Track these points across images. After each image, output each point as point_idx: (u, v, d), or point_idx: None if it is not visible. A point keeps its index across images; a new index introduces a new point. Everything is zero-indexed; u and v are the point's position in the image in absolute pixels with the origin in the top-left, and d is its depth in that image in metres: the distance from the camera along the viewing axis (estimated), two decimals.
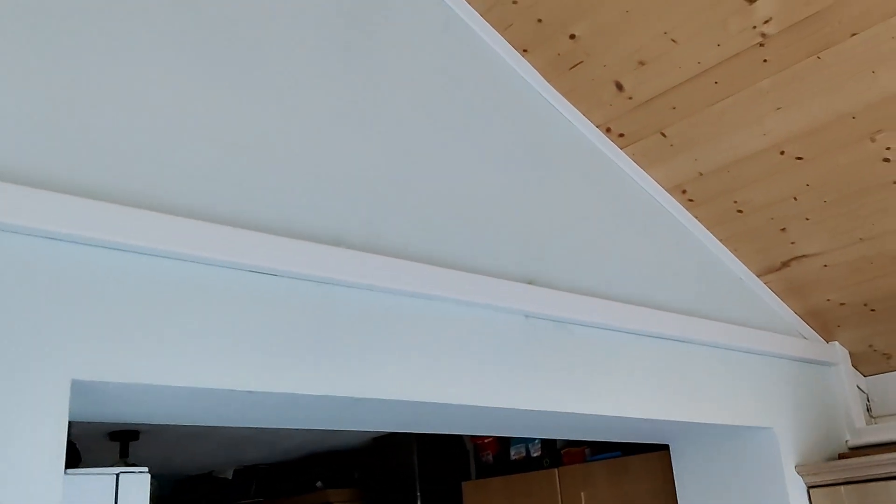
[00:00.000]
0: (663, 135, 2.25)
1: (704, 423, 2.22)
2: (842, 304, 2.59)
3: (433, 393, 1.64)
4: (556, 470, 3.13)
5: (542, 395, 1.82)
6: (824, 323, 2.69)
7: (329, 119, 1.72)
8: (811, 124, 2.09)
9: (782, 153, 2.19)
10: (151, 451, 3.74)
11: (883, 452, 2.32)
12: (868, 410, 2.77)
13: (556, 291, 1.93)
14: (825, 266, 2.48)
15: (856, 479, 2.31)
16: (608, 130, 2.29)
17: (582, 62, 2.13)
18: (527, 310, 1.85)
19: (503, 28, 2.12)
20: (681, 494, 2.58)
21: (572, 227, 2.12)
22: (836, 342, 2.74)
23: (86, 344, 1.23)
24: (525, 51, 2.16)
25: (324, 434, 3.74)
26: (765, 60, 1.99)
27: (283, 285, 1.50)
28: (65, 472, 1.18)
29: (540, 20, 2.07)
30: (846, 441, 2.64)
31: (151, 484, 1.32)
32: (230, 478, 4.71)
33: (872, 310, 2.57)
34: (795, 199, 2.30)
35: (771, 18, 1.90)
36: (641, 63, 2.08)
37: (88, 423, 1.50)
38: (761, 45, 1.95)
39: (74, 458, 2.19)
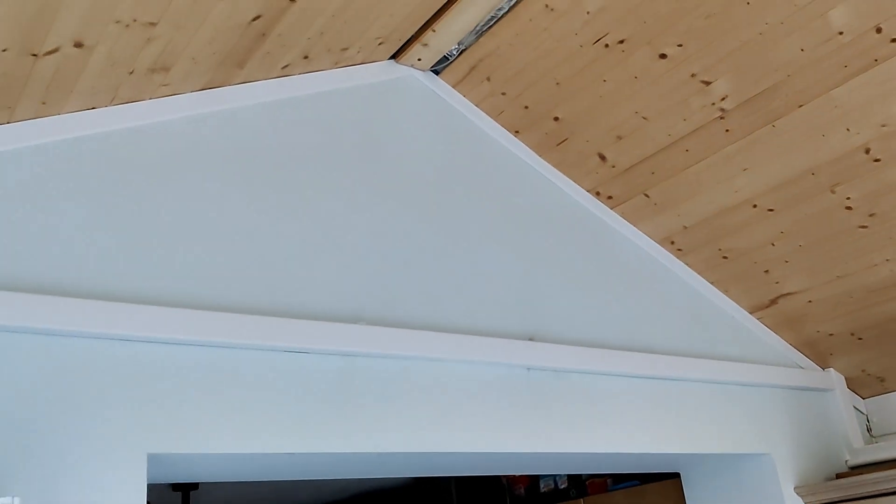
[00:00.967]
0: (647, 195, 2.52)
1: (705, 454, 2.46)
2: (830, 334, 2.81)
3: (447, 443, 1.91)
4: (581, 500, 3.37)
5: (546, 439, 2.08)
6: (818, 351, 2.91)
7: (345, 214, 2.03)
8: (776, 181, 2.34)
9: (755, 206, 2.44)
10: (211, 499, 4.06)
11: (879, 470, 2.51)
12: (868, 430, 2.96)
13: (555, 345, 2.20)
14: (810, 301, 2.70)
15: (853, 497, 2.51)
16: (598, 194, 2.57)
17: (567, 139, 2.42)
18: (528, 364, 2.12)
19: (496, 115, 2.42)
20: None
21: (569, 284, 2.39)
22: (832, 369, 2.94)
23: (158, 424, 1.54)
24: (517, 132, 2.45)
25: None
26: (727, 130, 2.25)
27: (313, 361, 1.80)
28: None
29: (527, 107, 2.36)
30: (846, 461, 2.83)
31: None
32: None
33: (860, 338, 2.78)
34: (773, 244, 2.54)
35: (727, 96, 2.16)
36: (619, 137, 2.36)
37: None
38: (721, 118, 2.22)
39: None
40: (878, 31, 1.92)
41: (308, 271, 1.90)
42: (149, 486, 2.31)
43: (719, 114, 2.21)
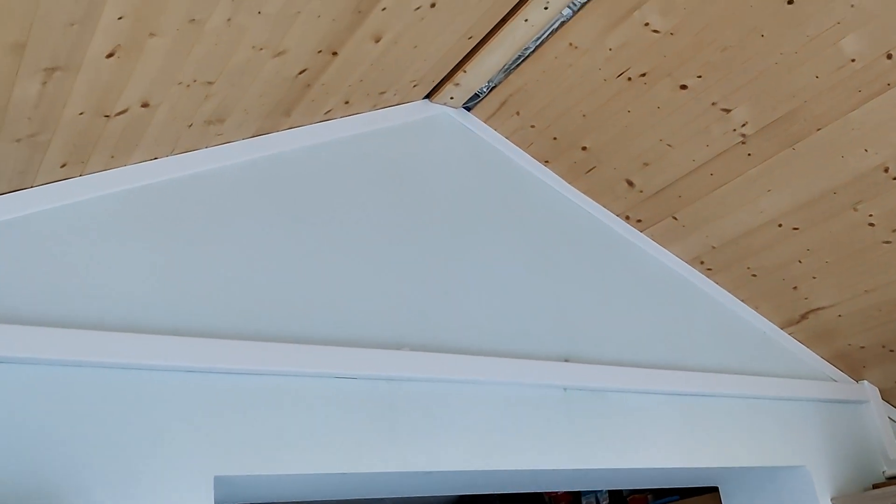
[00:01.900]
0: (675, 218, 2.62)
1: (743, 468, 2.53)
2: (862, 346, 2.87)
3: (489, 462, 2.02)
4: None
5: (584, 456, 2.18)
6: (851, 364, 2.96)
7: (387, 247, 2.16)
8: (799, 201, 2.42)
9: (780, 226, 2.52)
10: None
11: None
12: None
13: (590, 365, 2.30)
14: (839, 315, 2.77)
15: None
16: (627, 218, 2.67)
17: (595, 167, 2.53)
18: (565, 384, 2.23)
19: (526, 146, 2.55)
20: None
21: (602, 306, 2.49)
22: (865, 381, 3.00)
23: (224, 448, 1.68)
24: (546, 161, 2.58)
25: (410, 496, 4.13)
26: (749, 154, 2.35)
27: (361, 386, 1.93)
28: None
29: (555, 138, 2.48)
30: (883, 472, 2.88)
31: None
32: None
33: (891, 350, 2.83)
34: (800, 261, 2.62)
35: (747, 122, 2.26)
36: (645, 164, 2.47)
37: None
38: (742, 142, 2.32)
39: None
40: (889, 56, 2.01)
41: (354, 303, 2.03)
42: None
43: (740, 139, 2.31)
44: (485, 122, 2.52)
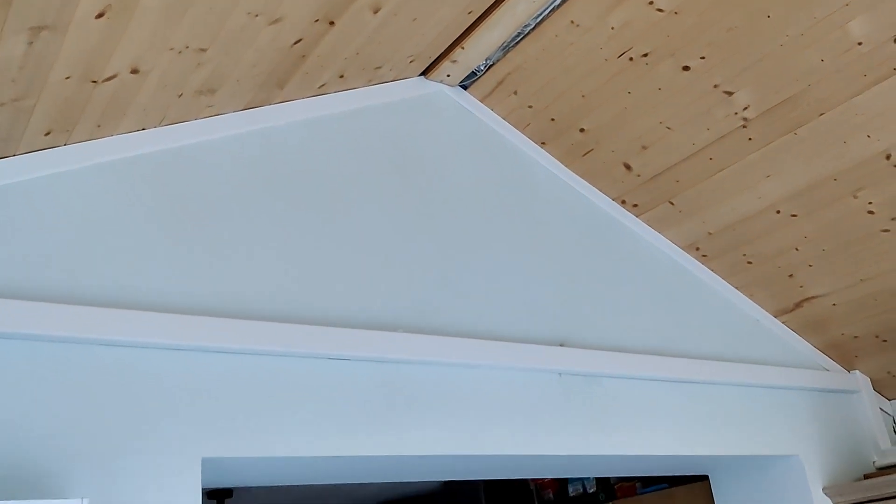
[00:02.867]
0: (672, 203, 2.58)
1: (735, 456, 2.50)
2: (855, 336, 2.85)
3: (483, 447, 1.98)
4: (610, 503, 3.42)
5: (579, 442, 2.15)
6: (843, 354, 2.95)
7: (380, 226, 2.11)
8: (799, 187, 2.39)
9: (778, 212, 2.49)
10: None
11: None
12: (895, 431, 3.00)
13: (585, 350, 2.26)
14: (834, 305, 2.75)
15: (881, 497, 2.55)
16: (623, 202, 2.63)
17: (593, 150, 2.49)
18: (560, 369, 2.19)
19: (523, 127, 2.50)
20: None
21: (597, 291, 2.45)
22: (857, 371, 2.98)
23: (212, 429, 1.62)
24: (543, 143, 2.53)
25: (397, 482, 4.10)
26: (749, 139, 2.31)
27: (355, 368, 1.88)
28: None
29: (553, 119, 2.44)
30: (873, 462, 2.87)
31: None
32: None
33: (884, 340, 2.82)
34: (797, 249, 2.59)
35: (749, 105, 2.22)
36: (644, 147, 2.43)
37: None
38: (744, 126, 2.28)
39: None
40: None
41: (348, 283, 1.98)
42: None
43: (742, 123, 2.27)
44: (481, 102, 2.47)
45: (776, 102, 2.20)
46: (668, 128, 2.35)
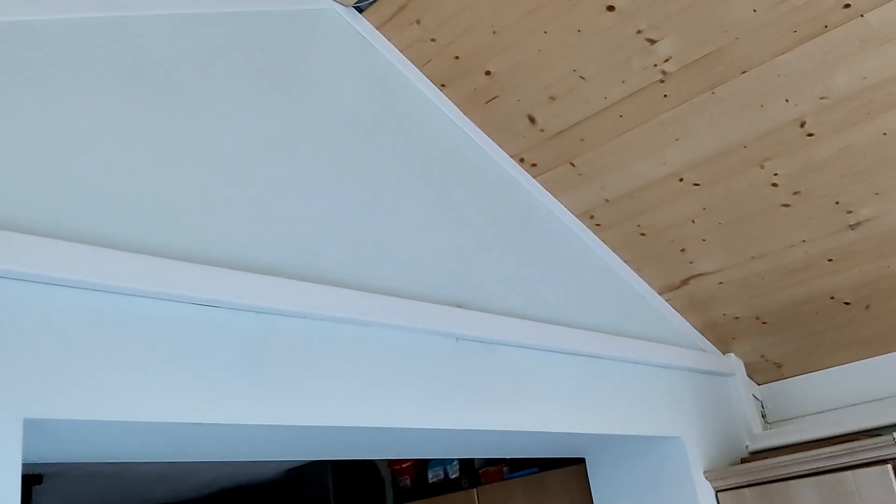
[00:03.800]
0: (572, 164, 2.39)
1: (619, 435, 2.35)
2: (736, 317, 2.79)
3: (370, 417, 1.69)
4: (474, 490, 3.20)
5: (472, 414, 1.90)
6: (721, 336, 2.89)
7: (255, 149, 1.76)
8: (707, 154, 2.27)
9: (681, 180, 2.36)
10: (56, 494, 3.59)
11: (779, 455, 2.51)
12: (763, 417, 2.98)
13: (484, 314, 2.01)
14: (721, 283, 2.67)
15: (759, 482, 2.48)
16: (522, 160, 2.42)
17: (497, 97, 2.25)
18: (457, 332, 1.93)
19: (422, 64, 2.22)
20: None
21: (495, 252, 2.22)
22: (732, 354, 2.94)
23: (37, 383, 1.23)
24: (443, 85, 2.26)
25: (236, 468, 3.69)
26: (665, 95, 2.15)
27: (224, 316, 1.52)
28: None
29: (457, 57, 2.17)
30: (746, 446, 2.83)
31: None
32: None
33: (764, 322, 2.78)
34: (693, 221, 2.48)
35: (671, 57, 2.07)
36: (552, 98, 2.22)
37: None
38: (662, 81, 2.12)
39: None
40: None
41: (220, 213, 1.62)
42: None
43: (660, 77, 2.11)
44: (377, 29, 2.17)
45: (699, 56, 2.05)
46: (582, 77, 2.15)
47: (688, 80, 2.11)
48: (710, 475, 2.55)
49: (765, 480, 2.47)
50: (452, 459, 3.32)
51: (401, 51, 2.20)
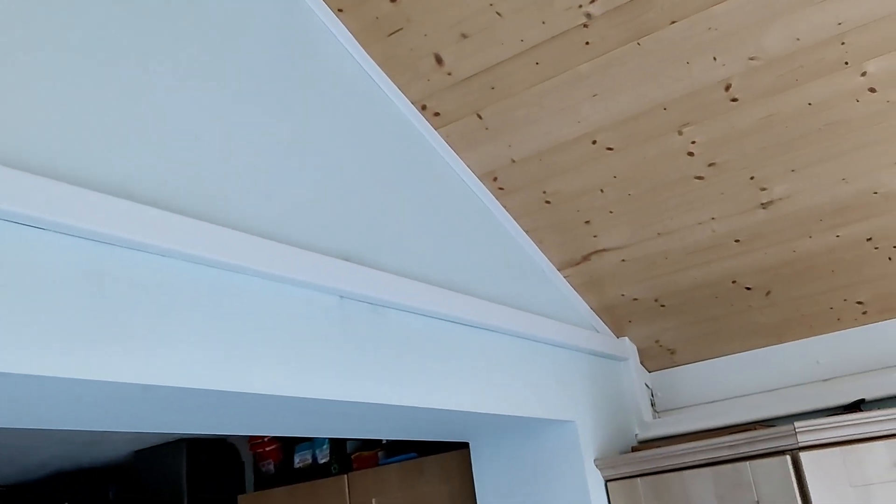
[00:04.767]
0: (479, 116, 2.16)
1: (511, 417, 2.14)
2: (635, 299, 2.65)
3: (233, 380, 1.39)
4: (345, 476, 2.93)
5: (355, 385, 1.63)
6: (617, 318, 2.74)
7: (116, 61, 1.42)
8: (624, 113, 2.09)
9: (594, 142, 2.17)
10: None
11: (668, 445, 2.37)
12: (652, 405, 2.86)
13: (374, 271, 1.75)
14: (623, 261, 2.51)
15: (652, 471, 2.34)
16: (424, 108, 2.16)
17: (402, 29, 1.98)
18: (342, 289, 1.65)
19: None
20: (480, 493, 2.49)
21: (388, 205, 1.95)
22: (626, 338, 2.80)
23: None
24: (340, 10, 1.97)
25: (73, 449, 3.26)
26: (587, 43, 1.95)
27: (50, 241, 1.19)
28: None
29: None
30: (636, 435, 2.69)
31: None
32: None
33: (662, 305, 2.65)
34: (602, 191, 2.30)
35: None
36: (464, 36, 1.97)
37: None
38: (585, 25, 1.92)
39: None
40: None
41: (57, 120, 1.27)
42: None
43: (584, 20, 1.91)
44: None
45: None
46: (499, 13, 1.92)
47: (613, 27, 1.91)
48: (600, 463, 2.38)
49: (658, 470, 2.33)
50: (323, 442, 3.03)
51: None
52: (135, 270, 1.28)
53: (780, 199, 2.23)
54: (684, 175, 2.21)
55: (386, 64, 2.07)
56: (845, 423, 2.12)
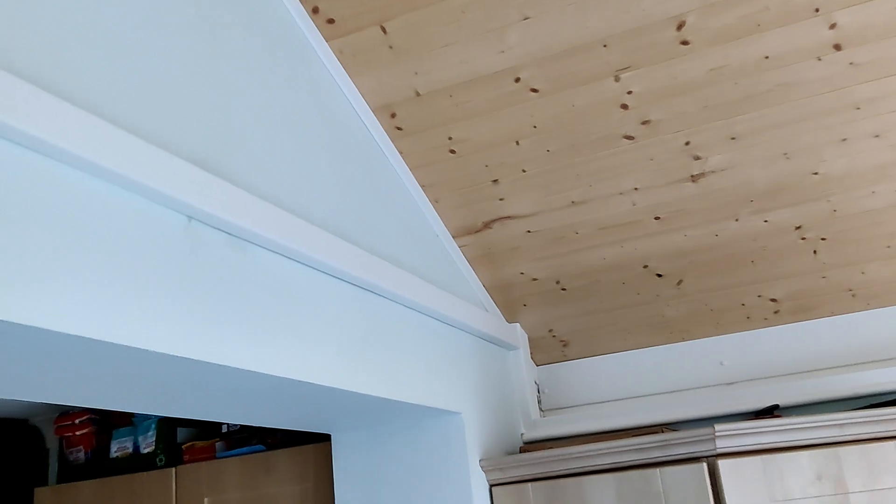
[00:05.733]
0: (384, 30, 1.75)
1: (389, 400, 1.74)
2: (534, 279, 2.32)
3: (28, 311, 0.91)
4: (173, 469, 2.42)
5: (197, 338, 1.18)
6: (510, 300, 2.40)
7: None
8: (558, 46, 1.75)
9: (517, 80, 1.82)
10: None
11: (563, 446, 2.06)
12: (539, 402, 2.54)
13: (236, 189, 1.30)
14: (528, 232, 2.17)
15: (546, 476, 2.00)
16: (315, 11, 1.73)
17: None
18: (192, 207, 1.20)
19: None
20: (340, 497, 2.07)
21: (271, 121, 1.51)
22: (518, 324, 2.47)
23: None
24: None
25: None
26: None
27: None
28: None
29: None
30: (521, 434, 2.36)
31: None
32: None
33: (563, 288, 2.33)
34: (517, 143, 1.95)
35: None
36: None
37: None
38: None
39: None
40: None
41: None
42: None
43: None
44: None
45: None
46: None
47: None
48: (486, 465, 2.02)
49: (553, 475, 2.00)
50: (148, 426, 2.50)
51: None
52: None
53: (713, 171, 1.96)
54: (613, 132, 1.90)
55: None
56: (767, 429, 1.86)
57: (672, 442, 1.87)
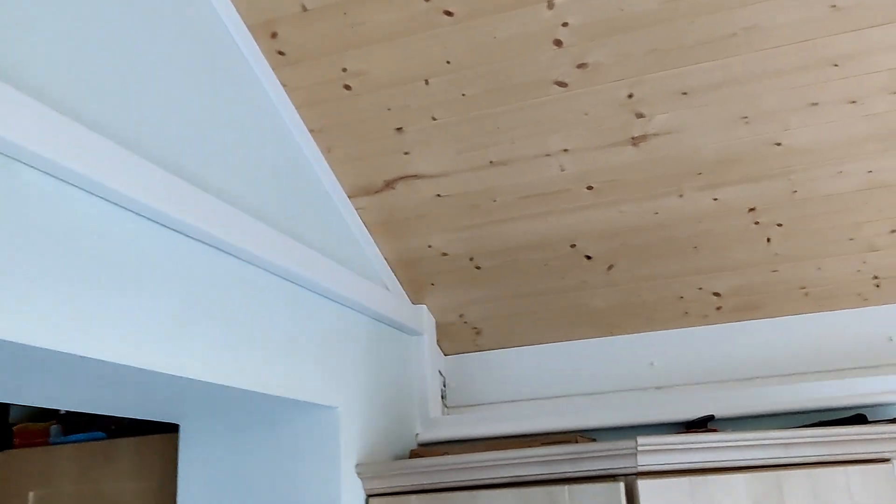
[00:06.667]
0: None
1: (244, 391, 1.37)
2: (444, 254, 1.97)
3: None
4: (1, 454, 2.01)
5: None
6: (416, 277, 2.05)
7: None
8: None
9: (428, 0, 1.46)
10: None
11: (459, 452, 1.72)
12: (443, 398, 2.20)
13: (23, 96, 0.92)
14: (438, 196, 1.82)
15: (433, 488, 1.66)
16: None
17: None
18: None
19: None
20: (182, 495, 1.69)
21: (89, 22, 1.12)
22: (424, 306, 2.12)
23: None
24: None
25: None
26: None
27: None
28: None
29: None
30: (416, 435, 2.01)
31: None
32: None
33: (478, 267, 1.99)
34: (427, 81, 1.60)
35: None
36: None
37: None
38: None
39: None
40: None
41: None
42: None
43: None
44: None
45: None
46: None
47: None
48: (364, 471, 1.67)
49: (442, 486, 1.66)
50: None
51: None
52: None
53: (657, 134, 1.64)
54: (543, 76, 1.56)
55: None
56: (699, 445, 1.56)
57: (585, 455, 1.55)
